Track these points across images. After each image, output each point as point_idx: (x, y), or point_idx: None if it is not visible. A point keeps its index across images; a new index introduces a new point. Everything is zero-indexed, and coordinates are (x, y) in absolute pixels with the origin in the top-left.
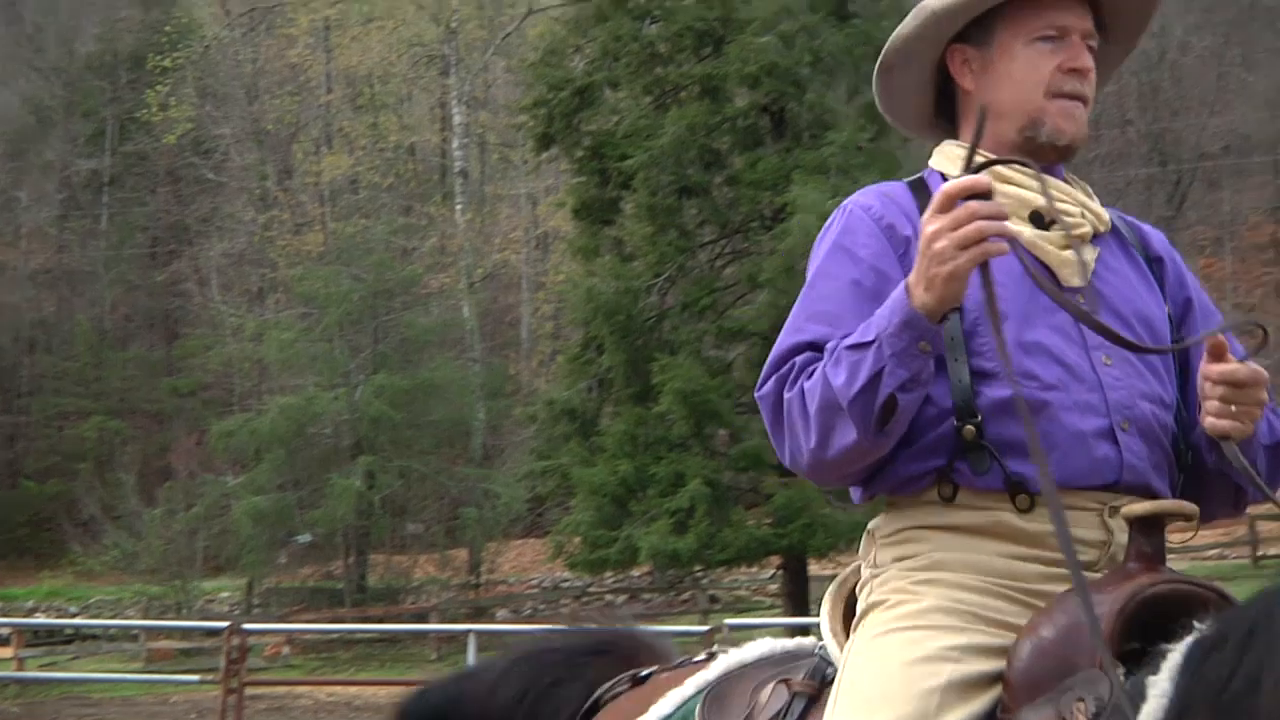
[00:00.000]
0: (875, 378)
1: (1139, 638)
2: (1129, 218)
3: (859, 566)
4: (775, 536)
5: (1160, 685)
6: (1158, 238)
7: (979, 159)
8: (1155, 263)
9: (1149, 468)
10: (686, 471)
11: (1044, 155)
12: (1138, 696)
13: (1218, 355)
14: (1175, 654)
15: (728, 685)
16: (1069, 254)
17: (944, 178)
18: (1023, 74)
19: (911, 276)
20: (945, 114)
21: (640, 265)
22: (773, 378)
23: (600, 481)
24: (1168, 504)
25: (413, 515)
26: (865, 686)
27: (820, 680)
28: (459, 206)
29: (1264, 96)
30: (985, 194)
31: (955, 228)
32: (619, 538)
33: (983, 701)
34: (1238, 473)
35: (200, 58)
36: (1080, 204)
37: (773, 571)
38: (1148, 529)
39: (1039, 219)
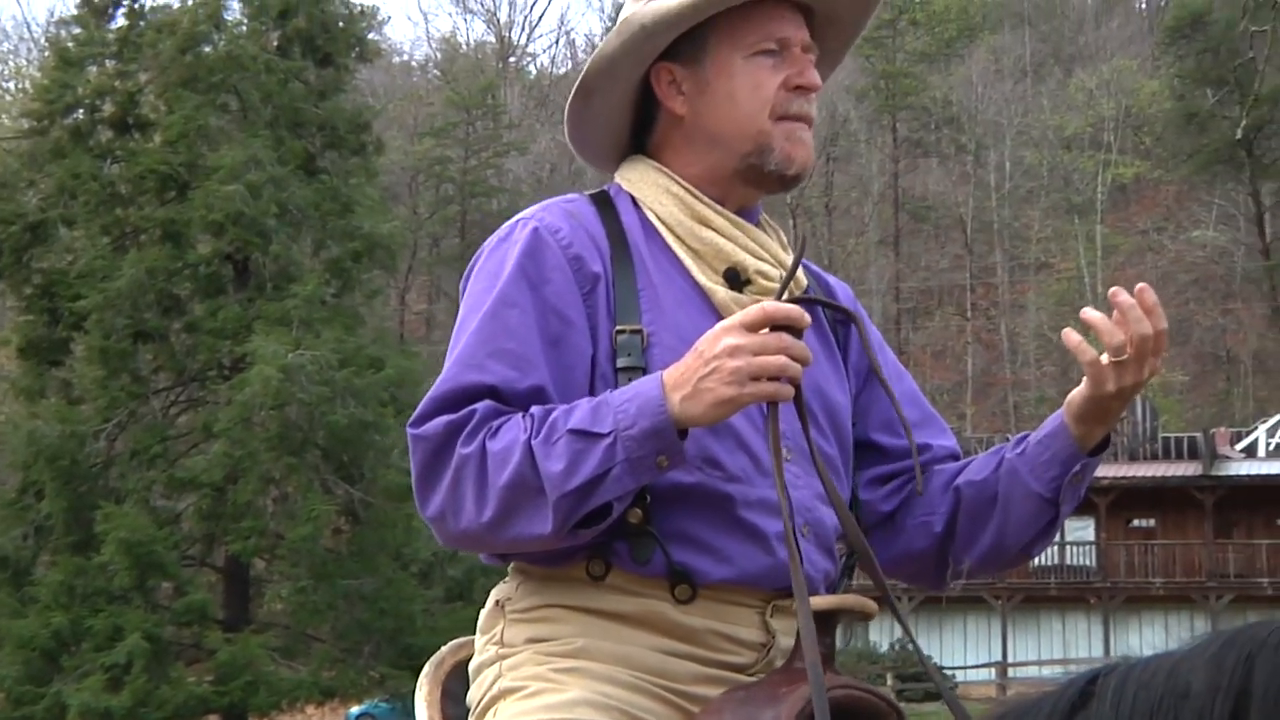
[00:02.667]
0: (598, 479)
1: None
2: (813, 267)
3: (461, 643)
4: (216, 694)
5: None
6: (844, 292)
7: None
8: (841, 325)
9: (820, 578)
10: (126, 625)
11: (768, 185)
12: None
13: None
14: None
15: None
16: None
17: (634, 200)
18: (745, 94)
19: (673, 375)
20: (637, 139)
21: (89, 409)
22: (441, 418)
23: (30, 634)
24: (849, 599)
25: None
26: None
27: None
28: None
29: None
30: (800, 332)
31: (759, 353)
32: (47, 694)
33: None
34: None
35: None
36: (778, 260)
37: None
38: (821, 627)
39: (735, 277)
